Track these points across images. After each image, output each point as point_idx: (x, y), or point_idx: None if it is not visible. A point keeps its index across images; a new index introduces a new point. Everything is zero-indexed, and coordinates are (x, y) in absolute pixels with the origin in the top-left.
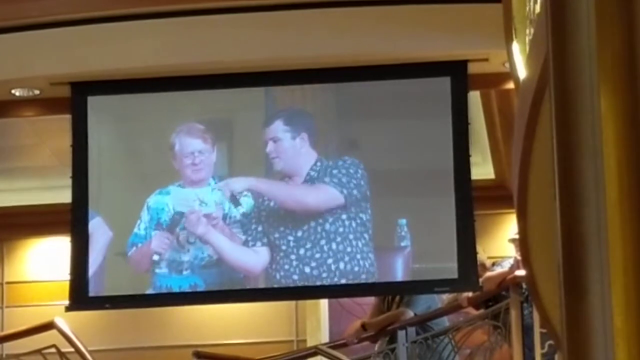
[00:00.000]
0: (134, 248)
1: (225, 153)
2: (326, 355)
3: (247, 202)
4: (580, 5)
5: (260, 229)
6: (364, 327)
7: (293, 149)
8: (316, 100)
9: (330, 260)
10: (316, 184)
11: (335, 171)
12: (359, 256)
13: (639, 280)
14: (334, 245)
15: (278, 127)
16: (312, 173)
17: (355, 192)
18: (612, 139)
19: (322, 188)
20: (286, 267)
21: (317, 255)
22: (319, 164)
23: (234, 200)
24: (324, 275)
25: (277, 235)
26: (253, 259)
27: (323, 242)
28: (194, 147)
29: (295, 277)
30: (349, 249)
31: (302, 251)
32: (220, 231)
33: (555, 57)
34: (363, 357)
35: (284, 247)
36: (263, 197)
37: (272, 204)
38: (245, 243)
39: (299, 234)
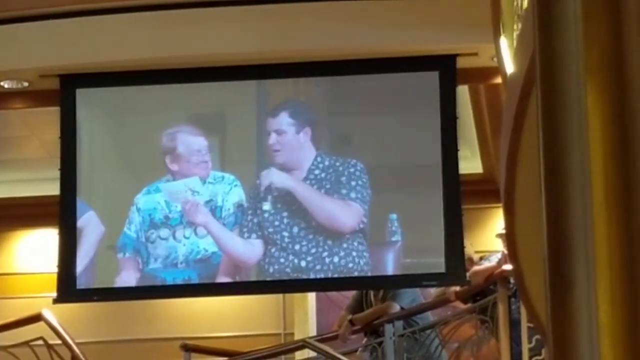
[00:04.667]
0: (124, 254)
1: (216, 147)
2: (313, 348)
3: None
4: (567, 2)
5: (255, 220)
6: (352, 322)
7: (296, 142)
8: (308, 93)
9: (325, 254)
10: (346, 200)
11: (353, 183)
12: (354, 253)
13: (624, 276)
14: (329, 241)
15: (283, 120)
16: (317, 171)
17: (369, 203)
18: (598, 136)
19: (354, 209)
20: (281, 260)
21: (313, 250)
22: (319, 159)
23: (268, 191)
24: (318, 268)
25: (271, 229)
26: (249, 251)
27: (320, 238)
28: (201, 144)
29: (288, 270)
30: (344, 245)
31: (297, 247)
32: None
33: (541, 53)
34: (350, 350)
35: (279, 242)
36: (291, 200)
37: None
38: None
39: (295, 230)
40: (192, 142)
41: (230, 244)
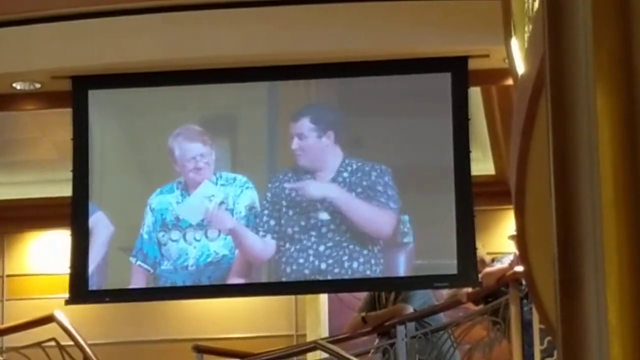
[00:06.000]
0: (137, 260)
1: (228, 149)
2: (325, 350)
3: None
4: (576, 4)
5: (272, 222)
6: (364, 320)
7: (318, 146)
8: (320, 95)
9: (345, 258)
10: (382, 207)
11: (390, 192)
12: (373, 261)
13: (634, 278)
14: (351, 246)
15: (304, 125)
16: (345, 174)
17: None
18: (607, 138)
19: (390, 216)
20: (301, 261)
21: (334, 254)
22: (347, 161)
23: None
24: (336, 271)
25: (297, 228)
26: (264, 248)
27: (344, 244)
28: (196, 151)
29: (307, 271)
30: (365, 252)
31: (321, 248)
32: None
33: (551, 55)
34: (362, 352)
35: (305, 241)
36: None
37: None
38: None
39: (323, 230)
40: (187, 149)
41: (249, 242)
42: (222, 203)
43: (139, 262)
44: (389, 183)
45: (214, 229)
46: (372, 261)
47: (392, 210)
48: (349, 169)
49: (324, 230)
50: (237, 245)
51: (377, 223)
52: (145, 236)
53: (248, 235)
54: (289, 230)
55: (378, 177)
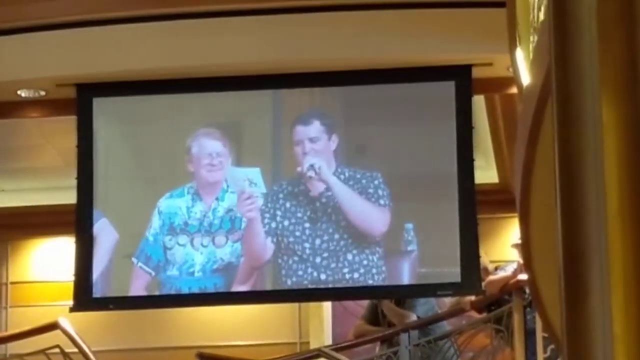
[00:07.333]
0: (138, 262)
1: (233, 156)
2: (329, 357)
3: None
4: (582, 14)
5: (273, 225)
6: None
7: (328, 150)
8: (324, 103)
9: (345, 270)
10: (377, 204)
11: (380, 192)
12: (374, 270)
13: (639, 287)
14: (349, 257)
15: (316, 128)
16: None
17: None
18: (613, 148)
19: (386, 214)
20: (300, 272)
21: (333, 265)
22: (339, 169)
23: (287, 198)
24: (338, 280)
25: (292, 239)
26: (266, 251)
27: (340, 253)
28: (213, 148)
29: (306, 282)
30: (365, 262)
31: (318, 259)
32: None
33: (557, 66)
34: (366, 359)
35: (299, 253)
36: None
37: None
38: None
39: (317, 242)
40: (206, 145)
41: (258, 240)
42: (229, 211)
43: (140, 264)
44: (380, 185)
45: (238, 212)
46: (374, 270)
47: (384, 207)
48: (342, 177)
49: (325, 237)
50: (246, 241)
51: (369, 217)
52: (151, 239)
53: (260, 232)
54: (292, 238)
55: (368, 182)
